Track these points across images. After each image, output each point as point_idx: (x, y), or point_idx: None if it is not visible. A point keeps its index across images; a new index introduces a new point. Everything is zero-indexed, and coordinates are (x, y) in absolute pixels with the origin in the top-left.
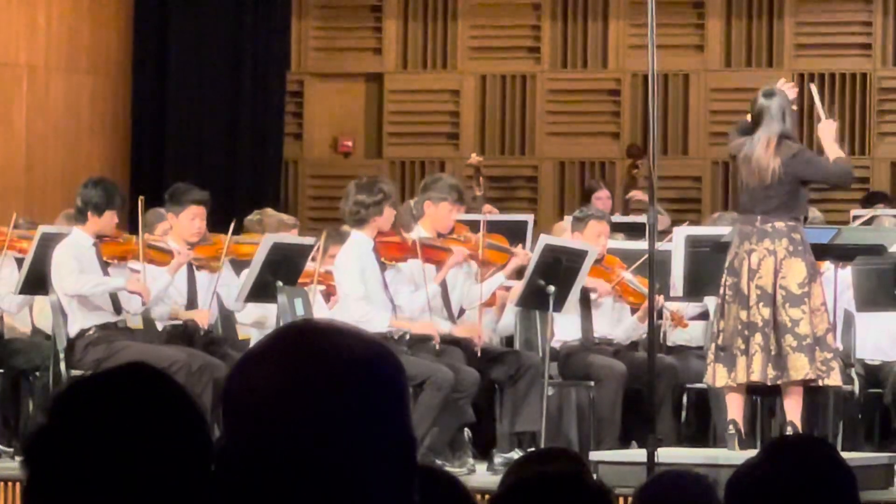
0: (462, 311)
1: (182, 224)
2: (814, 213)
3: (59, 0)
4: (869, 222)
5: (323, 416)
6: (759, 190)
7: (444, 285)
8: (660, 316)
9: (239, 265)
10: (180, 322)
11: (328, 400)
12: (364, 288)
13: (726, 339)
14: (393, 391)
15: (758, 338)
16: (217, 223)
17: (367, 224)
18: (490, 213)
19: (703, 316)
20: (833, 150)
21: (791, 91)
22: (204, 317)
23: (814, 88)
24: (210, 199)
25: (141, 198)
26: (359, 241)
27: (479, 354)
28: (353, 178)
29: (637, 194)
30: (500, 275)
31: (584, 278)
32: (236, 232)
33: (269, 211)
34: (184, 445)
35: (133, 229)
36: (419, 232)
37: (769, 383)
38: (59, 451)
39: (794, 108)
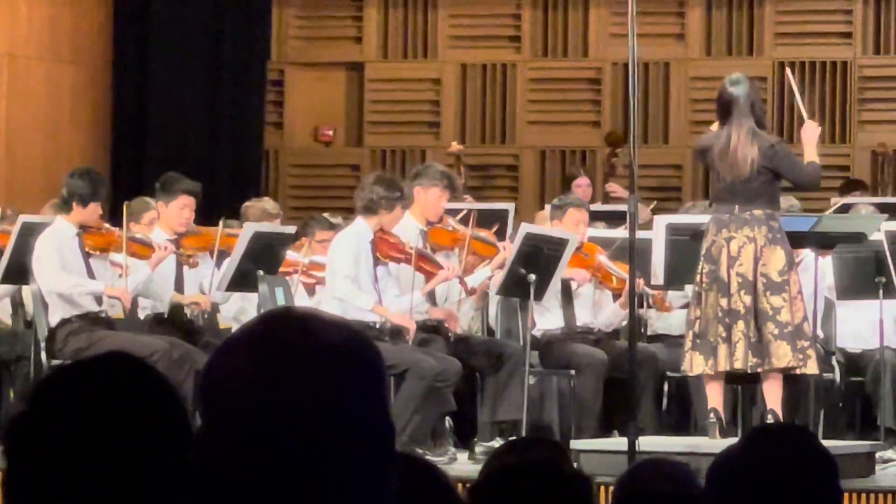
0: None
1: (171, 213)
2: (791, 201)
3: None
4: (844, 210)
5: (301, 403)
6: (735, 181)
7: (430, 297)
8: (640, 304)
9: (221, 256)
10: (161, 311)
11: (306, 387)
12: (355, 269)
13: (703, 327)
14: (371, 379)
15: (740, 325)
16: (198, 212)
17: (375, 215)
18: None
19: (685, 306)
20: (811, 154)
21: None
22: (205, 301)
23: (793, 83)
24: (200, 190)
25: (125, 203)
26: (361, 229)
27: (451, 339)
28: (335, 167)
29: (615, 190)
30: (486, 269)
31: (564, 267)
32: (231, 218)
33: (267, 199)
34: (164, 434)
35: (114, 220)
36: (407, 219)
37: (750, 371)
38: (39, 439)
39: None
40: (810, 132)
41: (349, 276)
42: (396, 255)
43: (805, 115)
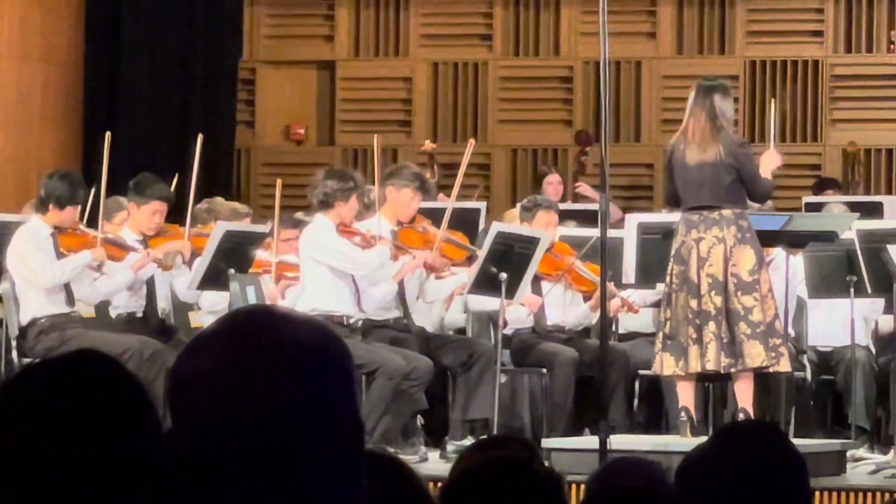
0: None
1: (142, 216)
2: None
3: None
4: (818, 208)
5: (269, 400)
6: (698, 175)
7: (400, 283)
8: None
9: (195, 258)
10: (134, 311)
11: (274, 385)
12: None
13: (673, 327)
14: (339, 376)
15: (711, 326)
16: (169, 211)
17: (332, 208)
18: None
19: (659, 303)
20: (766, 172)
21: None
22: (187, 247)
23: (773, 112)
24: (174, 197)
25: (108, 133)
26: (323, 223)
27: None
28: (306, 165)
29: (584, 189)
30: (462, 273)
31: (535, 265)
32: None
33: (219, 200)
34: (134, 432)
35: (89, 218)
36: (379, 221)
37: (723, 371)
38: (7, 437)
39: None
40: (773, 157)
41: (349, 251)
42: (362, 244)
43: (773, 144)
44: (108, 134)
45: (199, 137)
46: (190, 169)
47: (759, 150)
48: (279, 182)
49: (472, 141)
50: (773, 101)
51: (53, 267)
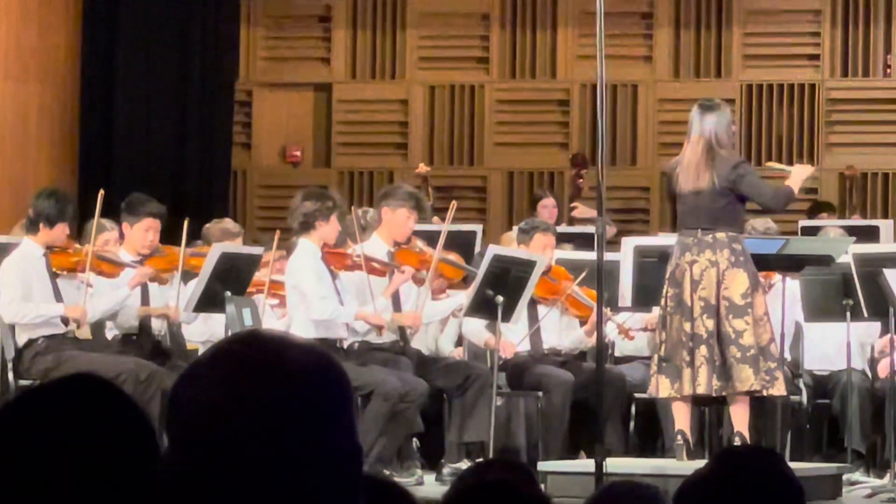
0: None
1: (135, 235)
2: (768, 223)
3: (6, 8)
4: (814, 232)
5: (267, 426)
6: (693, 198)
7: (395, 300)
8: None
9: (187, 276)
10: (131, 332)
11: (272, 410)
12: (325, 289)
13: (668, 350)
14: (337, 400)
15: (703, 350)
16: (165, 233)
17: (314, 230)
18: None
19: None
20: (792, 182)
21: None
22: (175, 312)
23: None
24: (166, 213)
25: (101, 192)
26: (307, 247)
27: (410, 337)
28: (302, 188)
29: (579, 209)
30: (462, 294)
31: (532, 288)
32: (193, 238)
33: (228, 221)
34: (131, 455)
35: (82, 237)
36: (375, 241)
37: (714, 394)
38: (5, 462)
39: (734, 127)
40: (804, 170)
41: (325, 296)
42: (347, 262)
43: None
44: (101, 192)
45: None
46: (186, 190)
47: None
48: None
49: (454, 203)
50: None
51: (20, 306)
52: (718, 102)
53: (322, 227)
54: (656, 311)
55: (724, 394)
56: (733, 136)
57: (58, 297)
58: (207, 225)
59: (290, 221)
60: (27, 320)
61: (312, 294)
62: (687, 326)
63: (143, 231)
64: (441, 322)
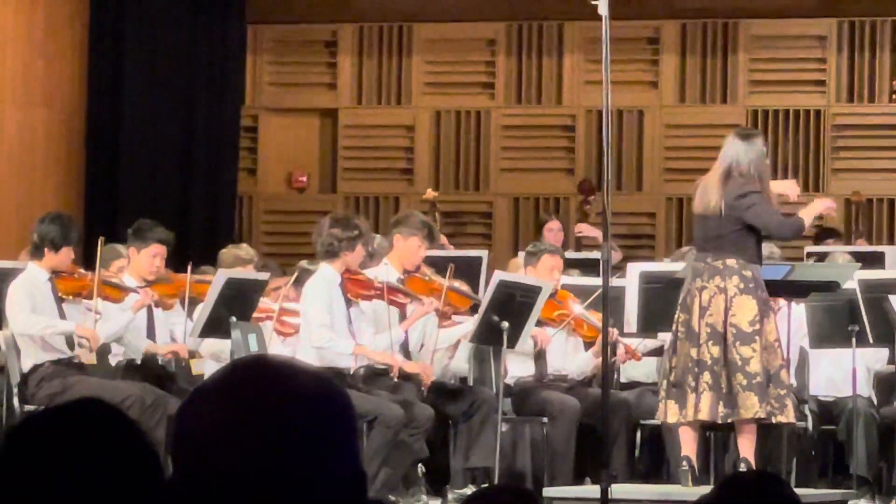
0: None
1: (142, 261)
2: (771, 248)
3: (13, 34)
4: (820, 258)
5: (272, 452)
6: (702, 220)
7: (404, 347)
8: (614, 351)
9: (191, 303)
10: (133, 358)
11: (277, 436)
12: (329, 317)
13: (678, 375)
14: (341, 426)
15: (706, 376)
16: (171, 258)
17: (338, 258)
18: (445, 247)
19: (659, 352)
20: (805, 213)
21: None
22: (183, 349)
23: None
24: (173, 240)
25: (101, 238)
26: (327, 274)
27: (425, 395)
28: (308, 213)
29: (584, 229)
30: (468, 322)
31: (537, 314)
32: (197, 264)
33: (244, 247)
34: (136, 480)
35: (88, 264)
36: (385, 267)
37: (720, 421)
38: (11, 486)
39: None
40: (821, 203)
41: (325, 325)
42: (367, 292)
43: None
44: (101, 239)
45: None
46: (192, 215)
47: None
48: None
49: (451, 266)
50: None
51: (30, 317)
52: (755, 133)
53: (346, 257)
54: (662, 336)
55: (730, 420)
56: (765, 168)
57: (65, 320)
58: (223, 250)
59: (315, 246)
60: (37, 331)
61: (314, 320)
62: (693, 352)
63: (151, 257)
64: (450, 347)
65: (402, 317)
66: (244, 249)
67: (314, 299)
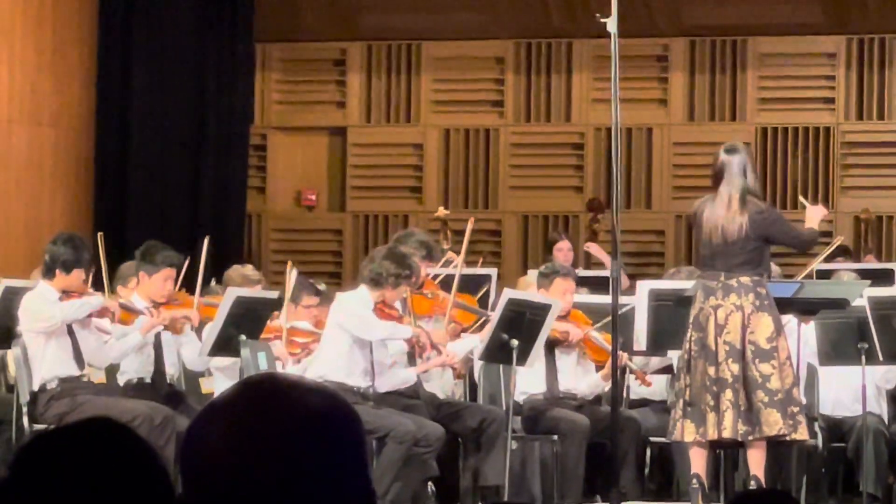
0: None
1: (154, 285)
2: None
3: (21, 53)
4: (829, 276)
5: (280, 469)
6: (723, 246)
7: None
8: (623, 374)
9: (200, 325)
10: (142, 377)
11: (286, 453)
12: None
13: (693, 394)
14: (350, 443)
15: (728, 394)
16: (179, 277)
17: (380, 289)
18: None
19: (668, 370)
20: (810, 223)
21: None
22: (195, 315)
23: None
24: (183, 261)
25: (100, 234)
26: (364, 296)
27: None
28: (317, 231)
29: (593, 249)
30: (475, 337)
31: (547, 332)
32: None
33: (250, 267)
34: (146, 499)
35: (96, 281)
36: None
37: (740, 439)
38: None
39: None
40: (818, 211)
41: (378, 321)
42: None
43: (808, 203)
44: (99, 234)
45: (207, 239)
46: (201, 234)
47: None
48: (289, 265)
49: (472, 218)
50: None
51: (54, 307)
52: (741, 146)
53: (388, 291)
54: (672, 354)
55: (750, 438)
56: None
57: (73, 340)
58: (228, 270)
59: (362, 269)
60: (70, 313)
61: (367, 316)
62: (711, 371)
63: (162, 281)
64: (459, 366)
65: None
66: (251, 270)
67: (356, 304)
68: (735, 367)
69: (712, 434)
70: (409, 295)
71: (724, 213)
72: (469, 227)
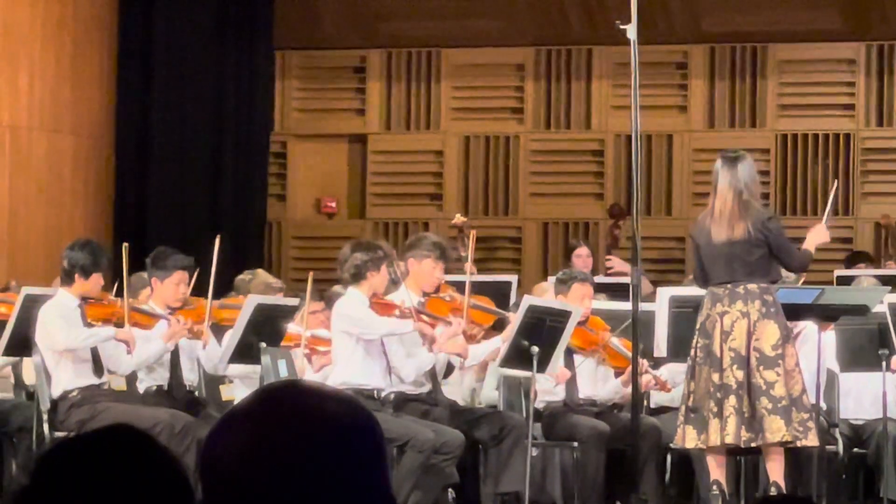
0: (451, 369)
1: (167, 289)
2: (786, 274)
3: (41, 61)
4: (849, 282)
5: (300, 476)
6: (726, 247)
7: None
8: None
9: (218, 329)
10: (160, 384)
11: (305, 460)
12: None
13: (697, 400)
14: (370, 451)
15: (732, 400)
16: (200, 284)
17: (365, 280)
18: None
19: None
20: (809, 244)
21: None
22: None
23: (834, 191)
24: (194, 264)
25: (125, 245)
26: (356, 296)
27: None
28: (337, 238)
29: (615, 264)
30: (496, 338)
31: (567, 339)
32: (226, 290)
33: (261, 272)
34: None
35: (119, 292)
36: (405, 294)
37: (743, 445)
38: None
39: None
40: (821, 232)
41: (376, 318)
42: (395, 314)
43: (825, 221)
44: (125, 245)
45: (217, 238)
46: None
47: (790, 222)
48: (310, 276)
49: (474, 232)
50: (836, 181)
51: (71, 331)
52: (742, 153)
53: (373, 278)
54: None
55: (753, 445)
56: (763, 186)
57: (93, 349)
58: (240, 276)
59: (340, 273)
60: (80, 342)
61: (365, 317)
62: (715, 377)
63: (175, 285)
64: (478, 371)
65: (430, 336)
66: (270, 277)
67: (353, 307)
68: (739, 374)
69: (714, 440)
70: (426, 300)
71: (724, 216)
72: (472, 238)
